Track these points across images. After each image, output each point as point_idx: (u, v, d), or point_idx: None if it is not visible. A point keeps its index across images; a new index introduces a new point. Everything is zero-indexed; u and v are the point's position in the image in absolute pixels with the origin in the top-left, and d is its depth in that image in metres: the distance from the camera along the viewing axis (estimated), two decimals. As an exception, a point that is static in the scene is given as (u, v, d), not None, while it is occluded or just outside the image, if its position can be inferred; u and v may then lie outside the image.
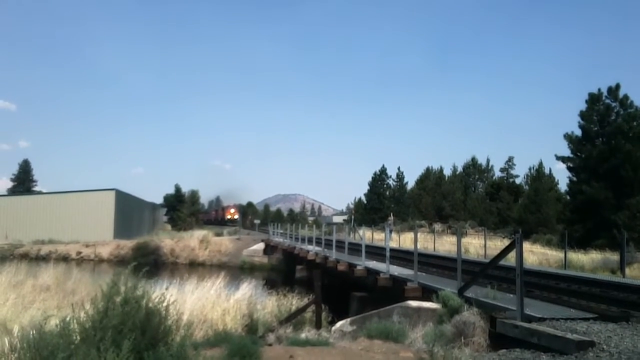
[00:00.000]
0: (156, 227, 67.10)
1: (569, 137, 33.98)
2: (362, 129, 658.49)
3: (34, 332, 3.77)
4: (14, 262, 15.77)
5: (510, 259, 8.72)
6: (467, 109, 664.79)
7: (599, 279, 11.52)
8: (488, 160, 68.92)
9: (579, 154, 33.68)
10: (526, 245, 25.75)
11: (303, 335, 7.29)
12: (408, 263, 14.21)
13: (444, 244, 29.00)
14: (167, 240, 42.17)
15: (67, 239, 43.19)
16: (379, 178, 65.91)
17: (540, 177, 53.49)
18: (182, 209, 71.34)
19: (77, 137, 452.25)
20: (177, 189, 79.74)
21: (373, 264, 15.18)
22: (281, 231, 41.46)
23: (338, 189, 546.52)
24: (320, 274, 11.79)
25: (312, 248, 24.32)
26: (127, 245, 40.76)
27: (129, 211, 55.58)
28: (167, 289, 5.35)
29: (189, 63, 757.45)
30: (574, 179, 34.04)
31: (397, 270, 13.25)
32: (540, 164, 55.17)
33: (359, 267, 15.25)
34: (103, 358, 3.34)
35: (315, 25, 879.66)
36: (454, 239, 24.68)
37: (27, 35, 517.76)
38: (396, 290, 11.48)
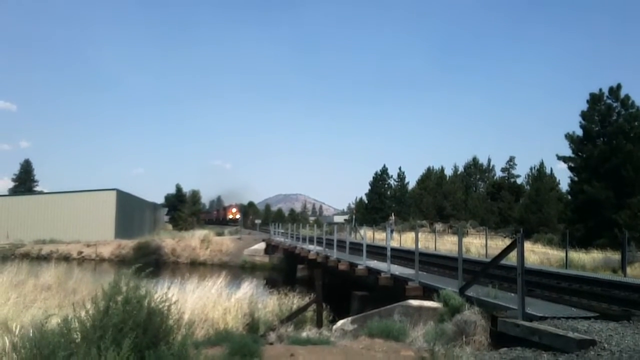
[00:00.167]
0: (157, 227, 67.16)
1: (570, 137, 33.94)
2: (362, 130, 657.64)
3: (35, 331, 3.78)
4: (15, 262, 15.77)
5: (512, 258, 8.72)
6: (468, 110, 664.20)
7: (600, 278, 11.51)
8: (489, 160, 69.02)
9: (580, 153, 33.63)
10: (527, 245, 25.69)
11: (304, 334, 7.30)
12: (409, 262, 14.21)
13: (445, 244, 28.99)
14: (168, 240, 42.21)
15: (68, 239, 43.23)
16: (380, 178, 65.87)
17: (541, 177, 53.47)
18: (183, 208, 71.32)
19: (78, 138, 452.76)
20: (178, 189, 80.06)
21: (374, 264, 15.19)
22: (282, 231, 41.47)
23: (339, 189, 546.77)
24: (321, 274, 11.81)
25: (313, 248, 24.33)
26: (128, 245, 40.84)
27: (130, 211, 55.62)
28: (168, 288, 5.35)
29: (189, 65, 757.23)
30: (575, 178, 34.02)
31: (398, 270, 13.26)
32: (542, 164, 55.24)
33: (360, 267, 15.25)
34: (103, 357, 3.34)
35: (315, 27, 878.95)
36: (455, 238, 24.64)
37: (28, 37, 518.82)
38: (397, 290, 11.49)
